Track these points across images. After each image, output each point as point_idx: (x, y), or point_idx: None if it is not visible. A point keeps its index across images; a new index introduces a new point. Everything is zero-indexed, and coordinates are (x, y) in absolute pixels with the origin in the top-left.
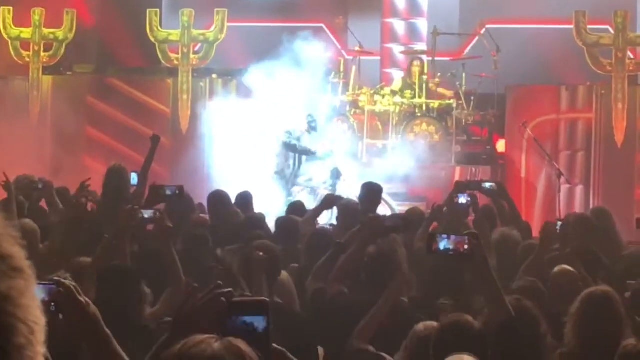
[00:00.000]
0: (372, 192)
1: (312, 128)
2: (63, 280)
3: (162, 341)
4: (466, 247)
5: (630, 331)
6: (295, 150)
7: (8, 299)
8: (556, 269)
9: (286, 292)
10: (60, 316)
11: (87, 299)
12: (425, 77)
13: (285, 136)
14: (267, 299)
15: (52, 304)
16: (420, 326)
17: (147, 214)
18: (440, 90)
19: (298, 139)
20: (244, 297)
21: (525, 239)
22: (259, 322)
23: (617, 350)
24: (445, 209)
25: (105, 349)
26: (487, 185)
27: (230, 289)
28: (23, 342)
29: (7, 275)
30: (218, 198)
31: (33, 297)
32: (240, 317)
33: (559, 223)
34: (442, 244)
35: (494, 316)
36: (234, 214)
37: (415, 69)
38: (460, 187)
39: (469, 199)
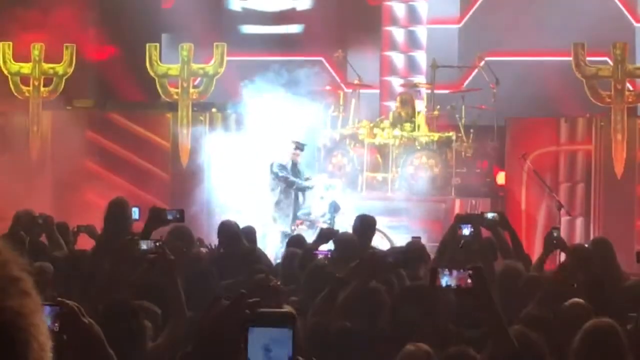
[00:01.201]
0: (365, 225)
1: (299, 148)
2: (67, 302)
3: (183, 354)
4: (469, 281)
5: None
6: (292, 186)
7: (21, 316)
8: (568, 302)
9: None
10: (64, 337)
11: (90, 320)
12: (423, 109)
13: (278, 170)
14: (294, 311)
15: (56, 324)
16: (410, 347)
17: (145, 244)
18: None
19: (292, 171)
20: (269, 309)
21: (527, 271)
22: (284, 334)
23: None
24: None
25: None
26: (489, 215)
27: (257, 299)
28: (35, 357)
29: (18, 295)
30: (228, 227)
31: (42, 319)
32: (265, 330)
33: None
34: (444, 280)
35: (497, 350)
36: (242, 245)
37: (398, 103)
38: (461, 219)
39: (472, 230)
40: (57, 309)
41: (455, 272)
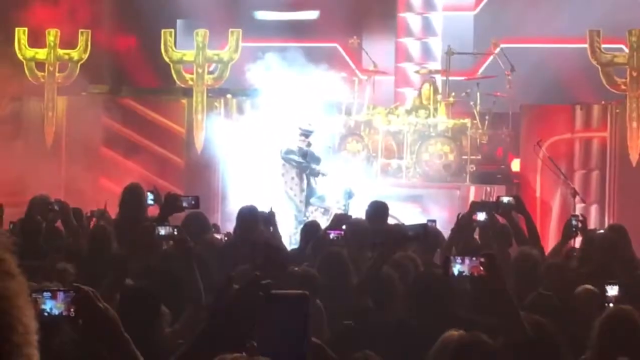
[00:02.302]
0: (377, 210)
1: (304, 135)
2: (82, 286)
3: (197, 335)
4: (482, 269)
5: None
6: (305, 170)
7: (4, 299)
8: (579, 289)
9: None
10: (80, 322)
11: (105, 304)
12: (439, 96)
13: (287, 154)
14: (307, 292)
15: (72, 309)
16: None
17: (163, 230)
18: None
19: (307, 157)
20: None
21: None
22: (297, 315)
23: None
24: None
25: (125, 354)
26: (505, 199)
27: (269, 280)
28: (21, 340)
29: (1, 277)
30: (245, 213)
31: (27, 300)
32: (278, 312)
33: (574, 220)
34: (457, 268)
35: (510, 337)
36: (260, 231)
37: (426, 92)
38: (476, 207)
39: (487, 216)
40: (73, 294)
41: (467, 260)
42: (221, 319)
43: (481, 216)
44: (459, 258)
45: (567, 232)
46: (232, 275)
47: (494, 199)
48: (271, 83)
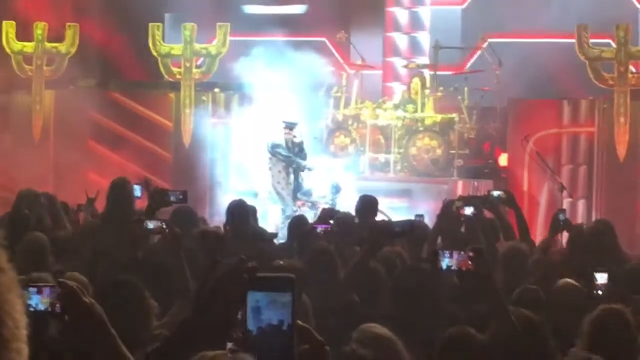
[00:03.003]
0: (367, 204)
1: (288, 127)
2: (67, 282)
3: (181, 322)
4: (469, 263)
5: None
6: (291, 164)
7: None
8: (560, 282)
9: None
10: (66, 317)
11: (91, 299)
12: (427, 91)
13: (273, 148)
14: (293, 275)
15: (57, 305)
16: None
17: (151, 224)
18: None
19: (294, 151)
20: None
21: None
22: (284, 299)
23: None
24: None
25: (112, 350)
26: (496, 193)
27: (254, 264)
28: (10, 335)
29: None
30: (236, 206)
31: (17, 295)
32: (265, 294)
33: (561, 214)
34: (445, 262)
35: (499, 331)
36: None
37: (415, 86)
38: (465, 200)
39: (475, 211)
40: (58, 290)
41: (455, 255)
42: (206, 301)
43: (468, 210)
44: (447, 252)
45: (554, 226)
46: (218, 260)
47: (485, 193)
48: (259, 77)
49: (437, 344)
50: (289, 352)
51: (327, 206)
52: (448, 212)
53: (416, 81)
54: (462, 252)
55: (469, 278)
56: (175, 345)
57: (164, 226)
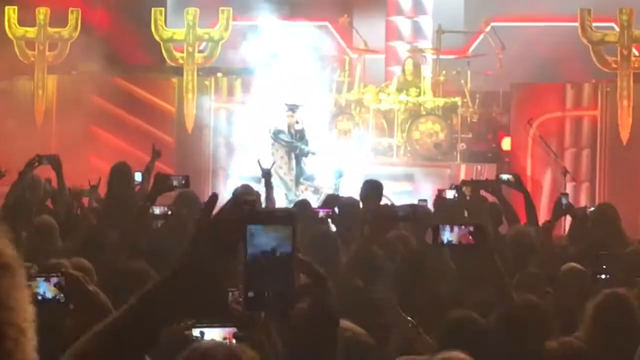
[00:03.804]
0: (372, 189)
1: (291, 110)
2: (71, 271)
3: (181, 259)
4: (470, 238)
5: None
6: (294, 150)
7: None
8: (565, 266)
9: None
10: (71, 306)
11: (96, 288)
12: (423, 69)
13: (276, 134)
14: (294, 210)
15: (62, 295)
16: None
17: (158, 209)
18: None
19: (297, 137)
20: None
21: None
22: (284, 232)
23: (634, 352)
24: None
25: None
26: (505, 177)
27: (254, 198)
28: (11, 346)
29: None
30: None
31: (21, 295)
32: (264, 228)
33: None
34: (445, 236)
35: (499, 308)
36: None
37: (409, 67)
38: (467, 184)
39: (456, 194)
40: (62, 279)
41: (456, 229)
42: (206, 237)
43: (450, 194)
44: (447, 226)
45: (557, 211)
46: (216, 193)
47: (495, 177)
48: (261, 61)
49: (441, 327)
50: (289, 282)
51: (330, 191)
52: (441, 201)
53: (409, 62)
54: (463, 227)
55: (469, 252)
56: (169, 289)
57: (170, 212)
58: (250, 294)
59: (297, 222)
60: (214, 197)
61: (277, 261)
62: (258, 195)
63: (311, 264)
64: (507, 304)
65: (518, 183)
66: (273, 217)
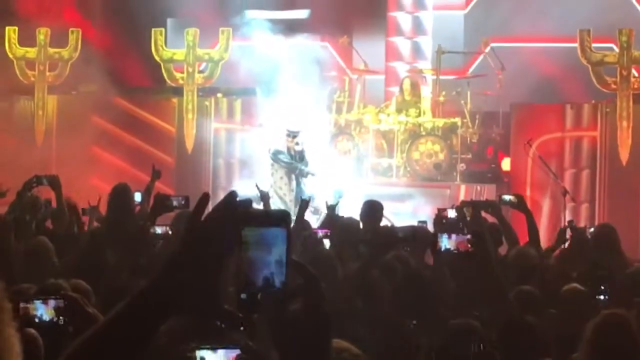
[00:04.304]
0: (372, 210)
1: (290, 135)
2: (69, 294)
3: (171, 255)
4: (469, 245)
5: None
6: (294, 170)
7: None
8: (566, 287)
9: None
10: (70, 329)
11: (95, 310)
12: (429, 95)
13: (276, 155)
14: (288, 211)
15: (61, 317)
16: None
17: (159, 229)
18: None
19: (296, 158)
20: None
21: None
22: (278, 234)
23: None
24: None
25: None
26: (507, 197)
27: (248, 197)
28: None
29: None
30: None
31: (6, 335)
32: (258, 229)
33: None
34: (444, 244)
35: (496, 314)
36: None
37: (407, 87)
38: (467, 205)
39: (457, 214)
40: (61, 302)
41: (455, 236)
42: (198, 238)
43: (451, 213)
44: (446, 234)
45: (561, 238)
46: (208, 193)
47: (495, 197)
48: (262, 82)
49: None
50: (282, 284)
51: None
52: (440, 220)
53: (407, 82)
54: (461, 235)
55: (467, 259)
56: (163, 284)
57: (170, 232)
58: (243, 296)
59: (290, 223)
60: (205, 197)
61: (270, 263)
62: (251, 199)
63: (305, 266)
64: (502, 305)
65: (521, 204)
66: (267, 218)
